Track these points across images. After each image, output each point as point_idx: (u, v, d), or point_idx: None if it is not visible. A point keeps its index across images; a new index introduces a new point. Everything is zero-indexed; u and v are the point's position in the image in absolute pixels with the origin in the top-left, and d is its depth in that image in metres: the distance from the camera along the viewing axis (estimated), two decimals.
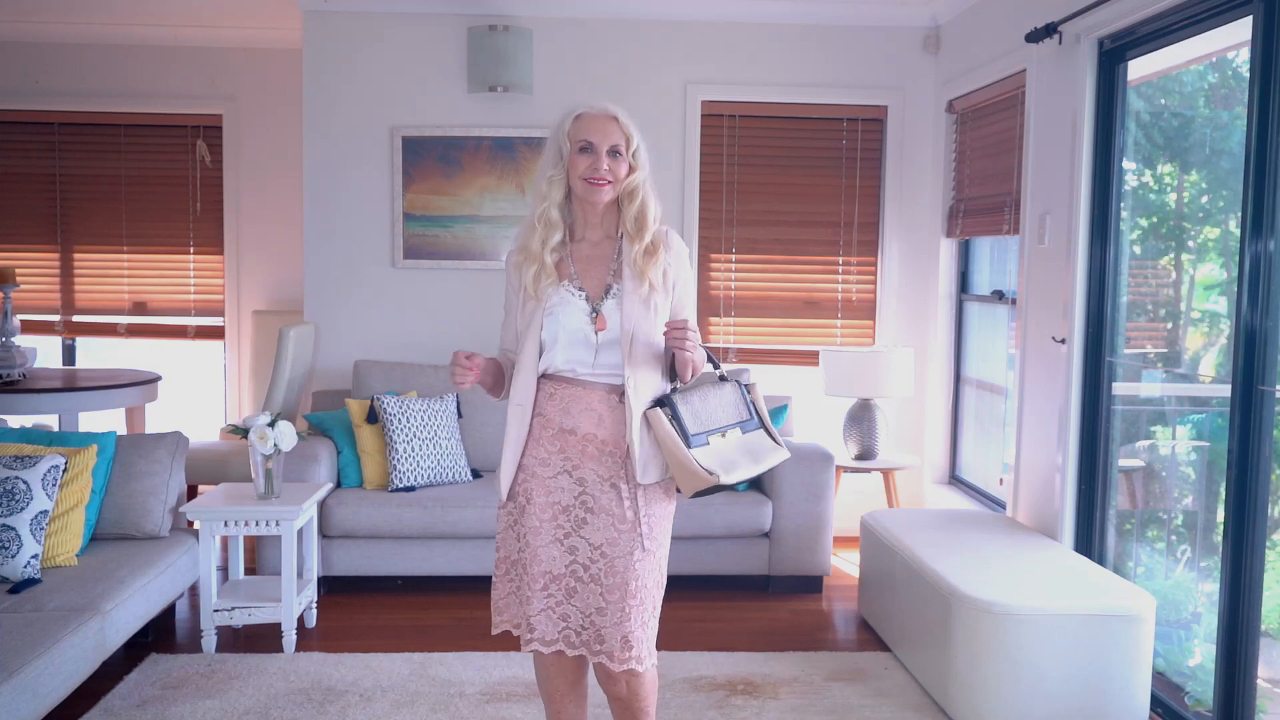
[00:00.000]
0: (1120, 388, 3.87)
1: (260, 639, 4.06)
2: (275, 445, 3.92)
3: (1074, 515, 3.96)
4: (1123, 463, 3.91)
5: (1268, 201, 2.91)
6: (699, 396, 2.52)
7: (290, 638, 3.93)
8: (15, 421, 4.66)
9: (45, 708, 2.97)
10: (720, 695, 3.59)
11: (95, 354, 6.60)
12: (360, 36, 5.38)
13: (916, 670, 3.74)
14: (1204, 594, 3.51)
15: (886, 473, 5.23)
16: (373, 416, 4.74)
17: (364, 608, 4.47)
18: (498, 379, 2.64)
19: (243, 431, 3.95)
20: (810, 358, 5.56)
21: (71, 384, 5.18)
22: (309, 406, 5.38)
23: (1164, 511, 3.93)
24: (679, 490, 2.52)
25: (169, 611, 4.20)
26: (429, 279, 5.48)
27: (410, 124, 5.41)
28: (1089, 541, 3.90)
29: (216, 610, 3.92)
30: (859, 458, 5.25)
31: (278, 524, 3.91)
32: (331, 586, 4.61)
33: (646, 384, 2.48)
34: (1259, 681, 3.00)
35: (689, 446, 2.43)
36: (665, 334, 2.43)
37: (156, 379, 5.43)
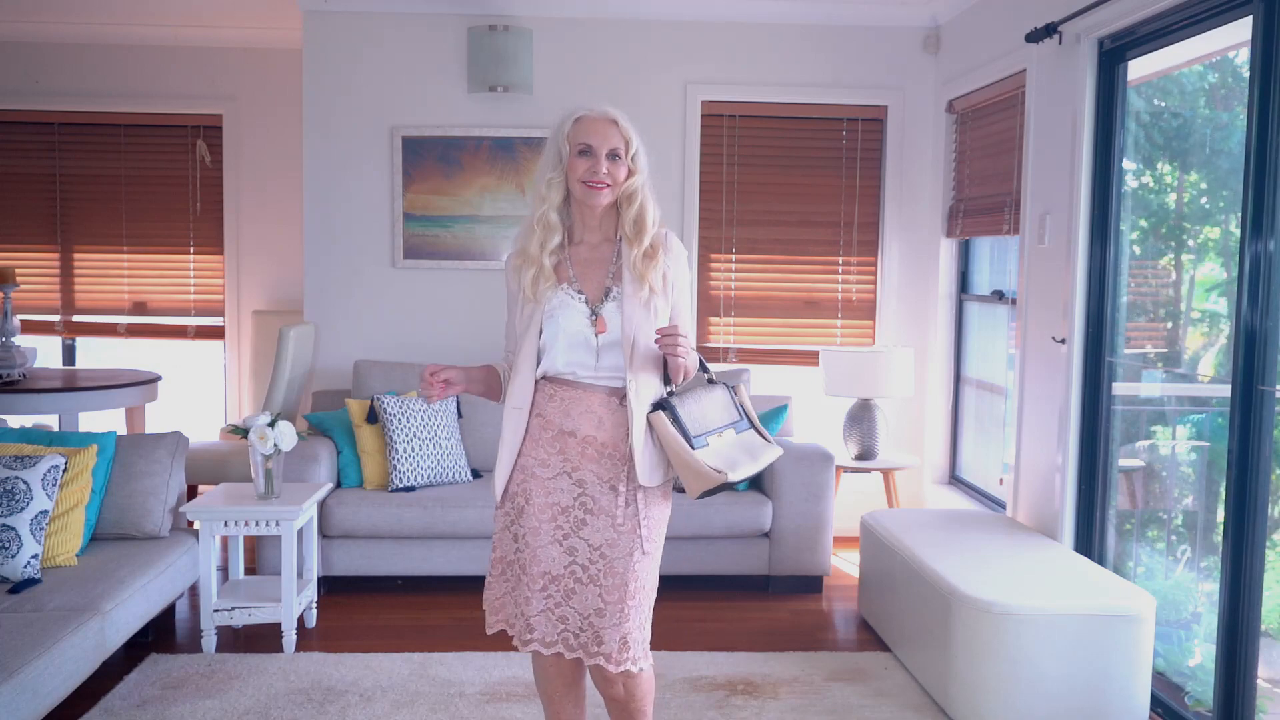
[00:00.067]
0: (1120, 388, 3.87)
1: (260, 639, 4.06)
2: (275, 445, 3.92)
3: (1074, 515, 3.96)
4: (1123, 463, 3.91)
5: (1267, 201, 2.91)
6: (693, 399, 2.53)
7: (290, 638, 3.93)
8: (15, 421, 4.66)
9: (45, 708, 2.97)
10: (720, 695, 3.59)
11: (95, 354, 6.60)
12: (360, 36, 5.38)
13: (916, 670, 3.74)
14: (1204, 594, 3.51)
15: (886, 473, 5.23)
16: (373, 416, 4.74)
17: (364, 608, 4.47)
18: (492, 385, 2.63)
19: (243, 431, 3.95)
20: (810, 358, 5.56)
21: (71, 384, 5.18)
22: (309, 406, 5.38)
23: (1164, 511, 3.93)
24: (685, 491, 2.52)
25: (169, 611, 4.20)
26: (429, 279, 5.48)
27: (410, 124, 5.41)
28: (1089, 541, 3.90)
29: (216, 610, 3.92)
30: (859, 458, 5.25)
31: (278, 524, 3.92)
32: (331, 586, 4.61)
33: (647, 387, 2.49)
34: (1259, 681, 3.00)
35: (692, 448, 2.43)
36: (657, 340, 2.43)
37: (156, 379, 5.43)
